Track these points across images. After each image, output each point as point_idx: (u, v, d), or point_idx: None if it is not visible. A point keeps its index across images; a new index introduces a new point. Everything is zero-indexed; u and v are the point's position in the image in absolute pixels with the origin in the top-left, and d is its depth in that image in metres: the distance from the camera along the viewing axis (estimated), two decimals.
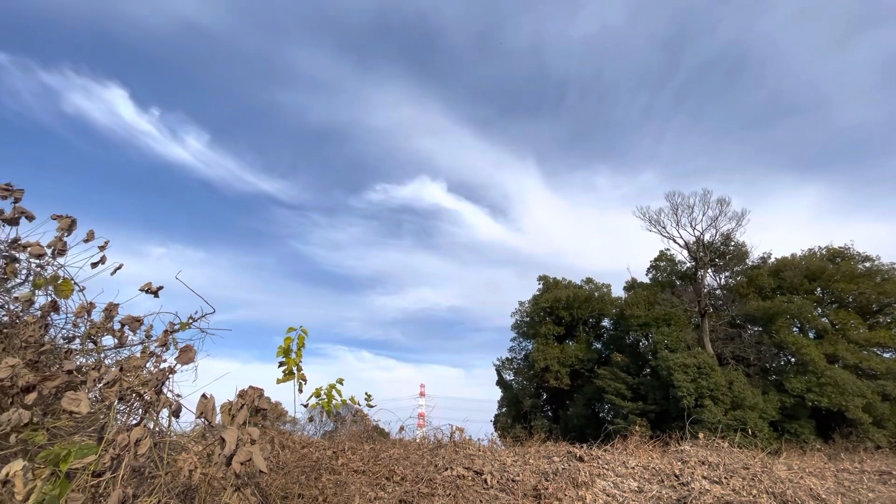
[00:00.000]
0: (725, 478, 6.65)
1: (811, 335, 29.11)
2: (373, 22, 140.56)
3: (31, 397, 2.11)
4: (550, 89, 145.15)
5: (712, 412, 24.39)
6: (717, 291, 34.93)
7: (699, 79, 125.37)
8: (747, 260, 34.22)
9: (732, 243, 33.44)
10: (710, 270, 34.00)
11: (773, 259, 33.40)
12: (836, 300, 30.03)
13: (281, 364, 4.31)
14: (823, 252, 31.74)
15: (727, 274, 35.16)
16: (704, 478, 6.63)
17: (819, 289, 30.53)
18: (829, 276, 29.65)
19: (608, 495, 5.92)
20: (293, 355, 4.33)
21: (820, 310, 29.85)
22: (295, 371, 4.34)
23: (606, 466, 6.95)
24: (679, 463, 7.25)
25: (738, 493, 6.20)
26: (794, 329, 29.10)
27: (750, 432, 20.71)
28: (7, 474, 1.81)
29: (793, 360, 27.94)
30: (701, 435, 8.95)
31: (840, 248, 31.16)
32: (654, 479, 6.64)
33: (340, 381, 5.40)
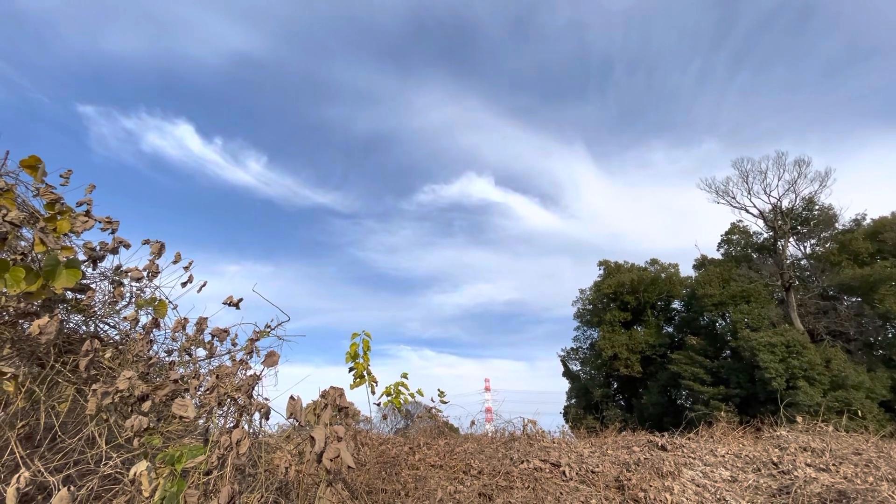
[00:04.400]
0: (834, 465, 6.03)
1: None
2: (408, 26, 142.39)
3: (146, 405, 2.35)
4: (594, 68, 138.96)
5: (808, 394, 22.24)
6: (803, 262, 31.73)
7: (760, 33, 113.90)
8: (836, 224, 30.77)
9: (816, 207, 30.23)
10: (791, 239, 30.96)
11: (868, 220, 29.77)
12: None
13: (351, 369, 4.50)
14: None
15: (813, 241, 31.84)
16: (808, 465, 6.05)
17: None
18: None
19: (698, 485, 5.58)
20: (360, 359, 4.50)
21: None
22: (365, 375, 4.51)
23: (693, 455, 6.55)
24: (776, 450, 6.68)
25: (851, 480, 5.59)
26: None
27: (858, 414, 18.64)
28: (135, 474, 2.03)
29: None
30: (799, 419, 8.18)
31: None
32: (749, 467, 6.16)
33: (405, 376, 5.54)
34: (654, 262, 37.83)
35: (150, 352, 3.23)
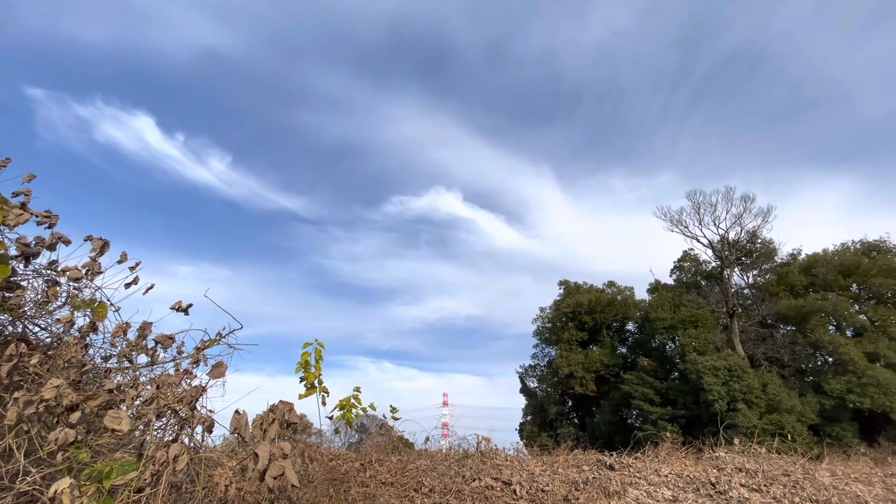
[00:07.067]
0: (765, 485, 6.39)
1: (848, 333, 27.85)
2: (386, 39, 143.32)
3: (75, 416, 2.19)
4: (564, 96, 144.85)
5: (746, 416, 23.52)
6: (746, 291, 33.87)
7: (715, 77, 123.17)
8: (776, 257, 33.13)
9: (759, 240, 32.45)
10: (736, 269, 33.01)
11: (803, 255, 32.24)
12: (874, 296, 28.69)
13: (301, 379, 4.37)
14: (857, 246, 30.45)
15: (755, 272, 34.08)
16: (743, 486, 6.38)
17: (855, 285, 29.25)
18: (864, 270, 28.40)
19: None
20: (312, 369, 4.38)
21: (857, 306, 28.57)
22: (316, 384, 4.39)
23: (638, 475, 6.76)
24: (714, 470, 7.00)
25: (780, 501, 5.95)
26: (830, 327, 27.91)
27: (788, 437, 19.86)
28: (55, 492, 1.88)
29: (830, 359, 26.75)
30: (736, 440, 8.62)
31: (875, 241, 29.85)
32: (689, 487, 6.42)
33: (358, 390, 5.43)
34: (611, 284, 39.22)
35: (85, 357, 3.01)
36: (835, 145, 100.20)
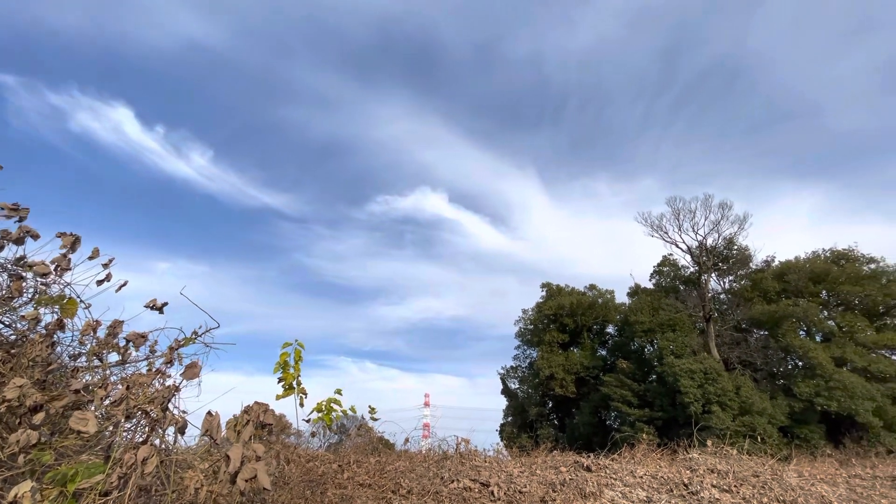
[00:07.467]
0: (735, 486, 6.56)
1: (818, 338, 28.85)
2: (375, 37, 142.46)
3: (38, 417, 2.12)
4: (550, 100, 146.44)
5: (720, 418, 24.12)
6: (722, 296, 34.73)
7: (696, 87, 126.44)
8: (751, 264, 34.07)
9: (735, 247, 33.33)
10: (713, 275, 33.85)
11: (776, 262, 33.24)
12: (842, 303, 29.79)
13: (280, 380, 4.30)
14: (827, 254, 31.55)
15: (731, 278, 34.98)
16: (714, 486, 6.54)
17: (824, 291, 30.30)
18: (833, 278, 29.45)
19: None
20: (291, 370, 4.32)
21: (826, 312, 29.61)
22: (294, 385, 4.33)
23: (614, 476, 6.88)
24: (688, 471, 7.16)
25: (749, 501, 6.12)
26: (801, 332, 28.85)
27: (759, 438, 20.46)
28: (15, 495, 1.81)
29: (800, 363, 27.66)
30: (709, 442, 8.84)
31: (844, 250, 30.98)
32: (663, 488, 6.56)
33: (339, 392, 5.38)
34: (592, 287, 39.78)
35: (52, 356, 2.91)
36: (807, 157, 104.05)
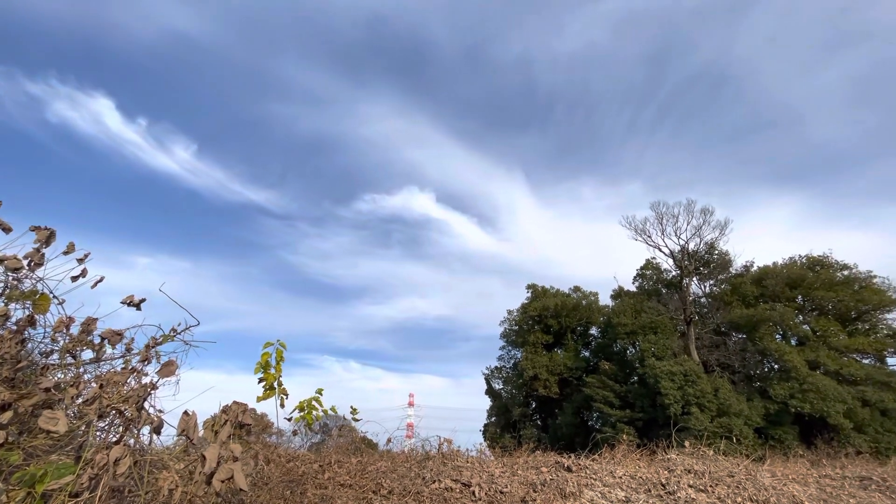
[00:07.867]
0: (711, 486, 6.71)
1: (793, 342, 29.66)
2: (364, 36, 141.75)
3: (6, 416, 2.05)
4: (538, 103, 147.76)
5: (699, 419, 24.62)
6: (703, 299, 35.48)
7: (681, 95, 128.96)
8: (731, 268, 34.87)
9: (716, 252, 34.08)
10: (694, 279, 34.54)
11: (755, 267, 34.08)
12: (817, 307, 30.69)
13: (261, 380, 4.25)
14: (804, 261, 32.46)
15: (711, 282, 35.75)
16: (690, 486, 6.68)
17: (800, 296, 31.18)
18: (809, 284, 30.32)
19: None
20: (272, 370, 4.26)
21: (801, 317, 30.46)
22: (276, 386, 4.28)
23: (594, 476, 6.96)
24: (665, 472, 7.29)
25: (723, 501, 6.26)
26: (777, 336, 29.62)
27: (735, 439, 20.95)
28: None
29: (776, 366, 28.42)
30: (687, 443, 9.02)
31: (819, 256, 31.91)
32: (641, 488, 6.67)
33: (320, 392, 5.33)
34: (576, 289, 40.20)
35: (21, 353, 2.83)
36: (787, 165, 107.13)
